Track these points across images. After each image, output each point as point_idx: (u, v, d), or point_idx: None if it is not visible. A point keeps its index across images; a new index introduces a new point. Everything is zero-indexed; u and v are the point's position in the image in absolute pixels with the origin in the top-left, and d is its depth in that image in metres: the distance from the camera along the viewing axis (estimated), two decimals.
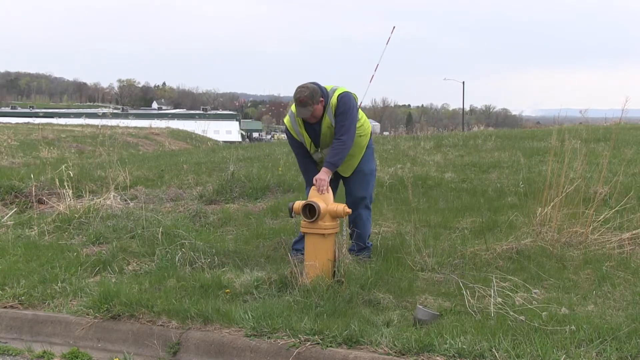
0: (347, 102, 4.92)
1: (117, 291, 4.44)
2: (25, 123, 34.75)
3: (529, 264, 4.87)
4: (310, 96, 4.79)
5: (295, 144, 5.19)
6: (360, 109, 5.28)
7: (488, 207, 6.88)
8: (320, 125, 4.98)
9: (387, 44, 4.91)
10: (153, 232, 5.85)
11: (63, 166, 8.03)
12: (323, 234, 4.51)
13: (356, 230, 5.15)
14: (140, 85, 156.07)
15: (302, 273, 4.49)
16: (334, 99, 4.91)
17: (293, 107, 4.99)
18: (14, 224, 6.99)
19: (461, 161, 10.46)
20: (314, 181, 4.74)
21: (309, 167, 5.19)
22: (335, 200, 4.74)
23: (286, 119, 5.19)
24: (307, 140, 5.09)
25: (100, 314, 4.29)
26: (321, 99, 4.85)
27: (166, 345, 3.99)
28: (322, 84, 5.00)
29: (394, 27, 4.82)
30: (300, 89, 4.83)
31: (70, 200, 7.13)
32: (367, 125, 5.26)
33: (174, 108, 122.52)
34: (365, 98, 5.07)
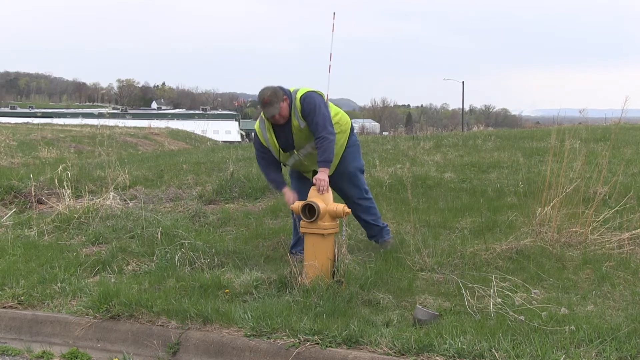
0: (311, 102, 4.92)
1: (116, 291, 4.44)
2: (24, 123, 34.77)
3: (528, 264, 4.86)
4: (274, 94, 4.84)
5: (262, 149, 5.20)
6: (335, 105, 5.27)
7: (487, 207, 6.88)
8: (290, 127, 4.98)
9: (332, 31, 4.96)
10: (152, 232, 5.85)
11: (61, 166, 8.04)
12: (322, 234, 4.50)
13: (365, 219, 5.33)
14: (139, 85, 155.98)
15: (301, 273, 4.49)
16: (297, 102, 4.94)
17: (263, 114, 5.03)
18: (13, 224, 6.99)
19: (461, 161, 10.46)
20: (314, 181, 4.73)
21: (270, 170, 5.23)
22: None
23: (256, 125, 5.19)
24: (274, 146, 5.07)
25: (99, 314, 4.29)
26: (284, 97, 4.89)
27: (166, 345, 3.99)
28: (285, 87, 5.04)
29: (334, 13, 4.87)
30: (262, 91, 4.89)
31: (69, 200, 7.13)
32: (344, 121, 5.21)
33: (174, 108, 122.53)
34: (330, 91, 5.21)
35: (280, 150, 5.09)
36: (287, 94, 4.95)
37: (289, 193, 5.09)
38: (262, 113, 5.02)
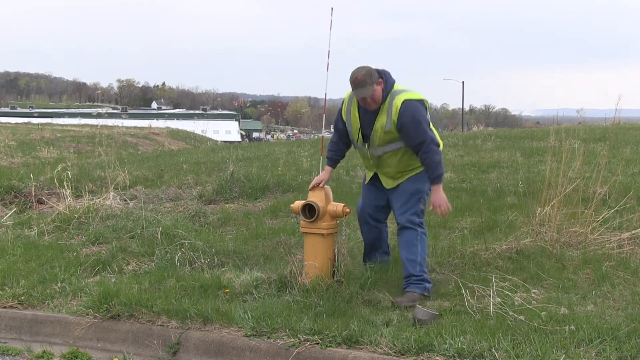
0: (411, 114, 4.35)
1: (116, 291, 4.44)
2: (25, 123, 34.84)
3: (528, 263, 4.87)
4: (368, 75, 4.32)
5: (339, 121, 4.71)
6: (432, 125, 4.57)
7: (487, 207, 6.88)
8: (375, 118, 4.45)
9: (330, 28, 4.82)
10: (152, 232, 5.85)
11: (61, 166, 8.04)
12: (322, 234, 4.50)
13: (400, 252, 4.61)
14: (139, 85, 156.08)
15: (301, 273, 4.49)
16: (397, 102, 4.37)
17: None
18: (13, 224, 6.99)
19: (461, 161, 10.46)
20: (433, 204, 4.41)
21: (334, 142, 4.76)
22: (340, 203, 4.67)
23: (347, 94, 4.63)
24: (354, 125, 4.56)
25: (99, 313, 4.29)
26: (379, 79, 4.38)
27: (166, 345, 3.99)
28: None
29: (332, 8, 4.73)
30: (356, 70, 4.37)
31: (69, 200, 7.14)
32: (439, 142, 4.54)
33: (174, 108, 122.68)
34: (329, 90, 4.91)
35: (360, 132, 4.54)
36: (384, 77, 4.42)
37: (322, 175, 4.65)
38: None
